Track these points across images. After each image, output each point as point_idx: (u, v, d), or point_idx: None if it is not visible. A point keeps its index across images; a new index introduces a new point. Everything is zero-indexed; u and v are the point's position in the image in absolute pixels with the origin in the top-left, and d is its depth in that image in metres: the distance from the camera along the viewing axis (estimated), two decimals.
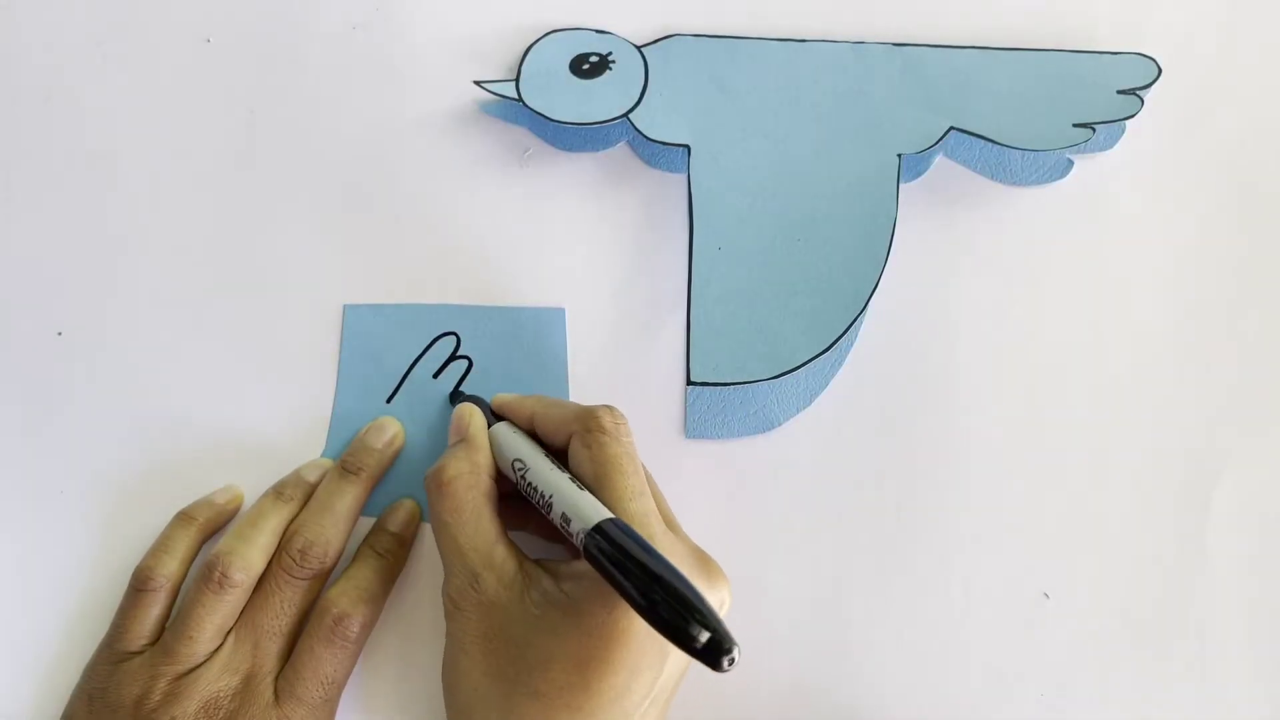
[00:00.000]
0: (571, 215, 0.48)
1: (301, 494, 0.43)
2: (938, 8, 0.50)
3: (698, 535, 0.43)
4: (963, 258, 0.47)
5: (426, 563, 0.44)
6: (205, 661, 0.39)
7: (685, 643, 0.30)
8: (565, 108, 0.47)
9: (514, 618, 0.36)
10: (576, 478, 0.38)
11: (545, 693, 0.35)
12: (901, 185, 0.46)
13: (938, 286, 0.47)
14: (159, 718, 0.38)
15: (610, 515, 0.35)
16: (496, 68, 0.49)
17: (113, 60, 0.49)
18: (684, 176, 0.47)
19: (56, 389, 0.45)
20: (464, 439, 0.41)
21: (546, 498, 0.37)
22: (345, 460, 0.43)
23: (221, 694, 0.39)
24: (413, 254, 0.47)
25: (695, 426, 0.45)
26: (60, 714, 0.41)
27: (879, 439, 0.45)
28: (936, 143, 0.47)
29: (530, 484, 0.39)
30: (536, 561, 0.39)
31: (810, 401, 0.45)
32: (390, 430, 0.44)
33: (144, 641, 0.41)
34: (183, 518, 0.43)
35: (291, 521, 0.43)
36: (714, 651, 0.30)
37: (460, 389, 0.45)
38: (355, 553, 0.43)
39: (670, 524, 0.40)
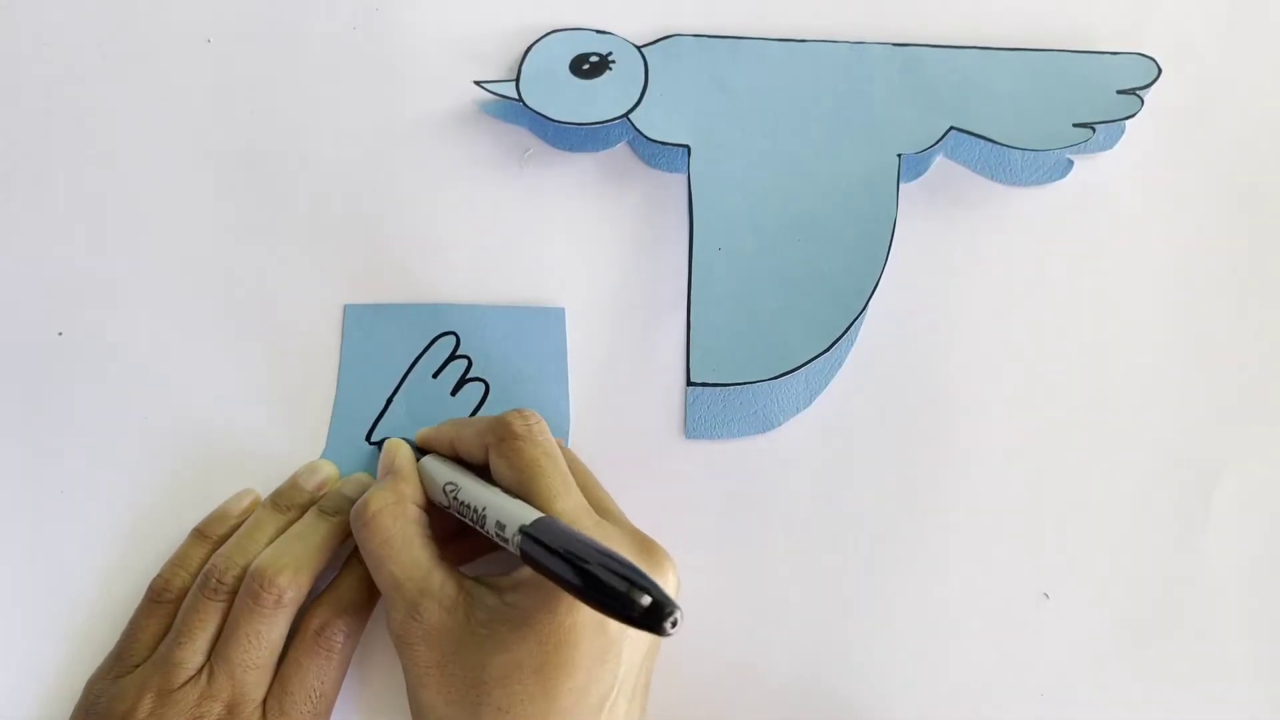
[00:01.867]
0: (571, 216, 0.48)
1: (300, 504, 0.43)
2: (938, 8, 0.50)
3: (697, 535, 0.43)
4: (962, 258, 0.47)
5: None
6: (188, 682, 0.39)
7: (627, 612, 0.30)
8: (565, 108, 0.47)
9: (464, 641, 0.36)
10: (504, 490, 0.38)
11: (509, 708, 0.35)
12: (901, 186, 0.46)
13: (937, 287, 0.47)
14: None
15: (540, 514, 0.35)
16: (496, 68, 0.49)
17: (113, 60, 0.49)
18: (684, 177, 0.47)
19: (57, 389, 0.45)
20: (390, 471, 0.40)
21: (480, 512, 0.37)
22: (323, 504, 0.43)
23: (205, 718, 0.39)
24: (412, 254, 0.47)
25: (695, 427, 0.45)
26: None
27: (878, 439, 0.45)
28: (936, 142, 0.46)
29: (463, 503, 0.38)
30: (477, 579, 0.38)
31: (810, 402, 0.45)
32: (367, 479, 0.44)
33: (146, 654, 0.41)
34: (198, 534, 0.43)
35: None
36: (656, 616, 0.30)
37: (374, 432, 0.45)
38: (342, 563, 0.43)
39: (606, 512, 0.39)
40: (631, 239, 0.47)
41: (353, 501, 0.42)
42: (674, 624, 0.30)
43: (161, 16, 0.50)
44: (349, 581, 0.42)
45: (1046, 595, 0.44)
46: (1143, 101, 0.47)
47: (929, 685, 0.43)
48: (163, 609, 0.41)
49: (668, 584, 0.38)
